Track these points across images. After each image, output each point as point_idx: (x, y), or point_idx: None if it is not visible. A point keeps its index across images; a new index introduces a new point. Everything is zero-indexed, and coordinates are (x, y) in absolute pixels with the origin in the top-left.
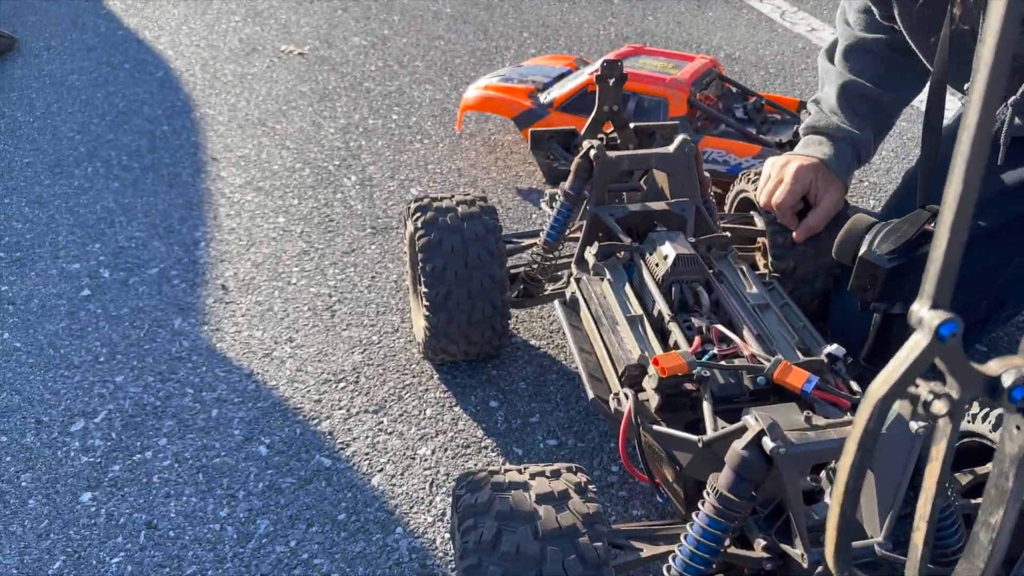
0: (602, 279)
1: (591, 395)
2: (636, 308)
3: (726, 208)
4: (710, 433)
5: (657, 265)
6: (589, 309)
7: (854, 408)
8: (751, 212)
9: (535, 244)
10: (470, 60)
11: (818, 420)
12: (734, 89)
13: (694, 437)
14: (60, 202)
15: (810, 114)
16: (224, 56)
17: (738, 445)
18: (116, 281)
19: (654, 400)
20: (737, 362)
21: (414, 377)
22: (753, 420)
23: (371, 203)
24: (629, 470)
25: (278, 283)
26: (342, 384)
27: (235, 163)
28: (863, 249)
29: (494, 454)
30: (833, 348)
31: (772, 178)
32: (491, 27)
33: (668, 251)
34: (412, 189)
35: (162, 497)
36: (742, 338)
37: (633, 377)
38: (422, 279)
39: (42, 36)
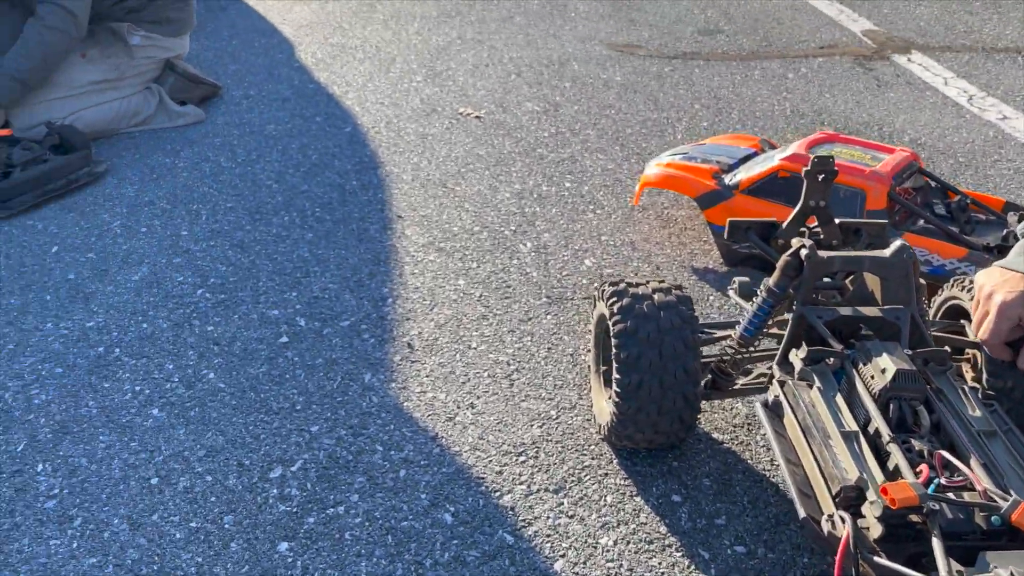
0: (811, 386)
1: (802, 514)
2: (850, 423)
3: (931, 313)
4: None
5: (873, 377)
6: (796, 417)
7: None
8: (961, 321)
9: (729, 336)
10: (641, 130)
11: None
12: (933, 184)
13: None
14: (260, 248)
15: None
16: (407, 115)
17: None
18: (311, 331)
19: (875, 529)
20: (968, 496)
21: (593, 459)
22: (1004, 573)
23: (546, 271)
24: None
25: (459, 346)
26: (522, 458)
27: (418, 222)
28: None
29: (679, 554)
30: None
31: (980, 307)
32: (661, 97)
33: (887, 364)
34: (586, 260)
35: (353, 556)
36: (969, 467)
37: (849, 499)
38: (615, 366)
39: (241, 85)
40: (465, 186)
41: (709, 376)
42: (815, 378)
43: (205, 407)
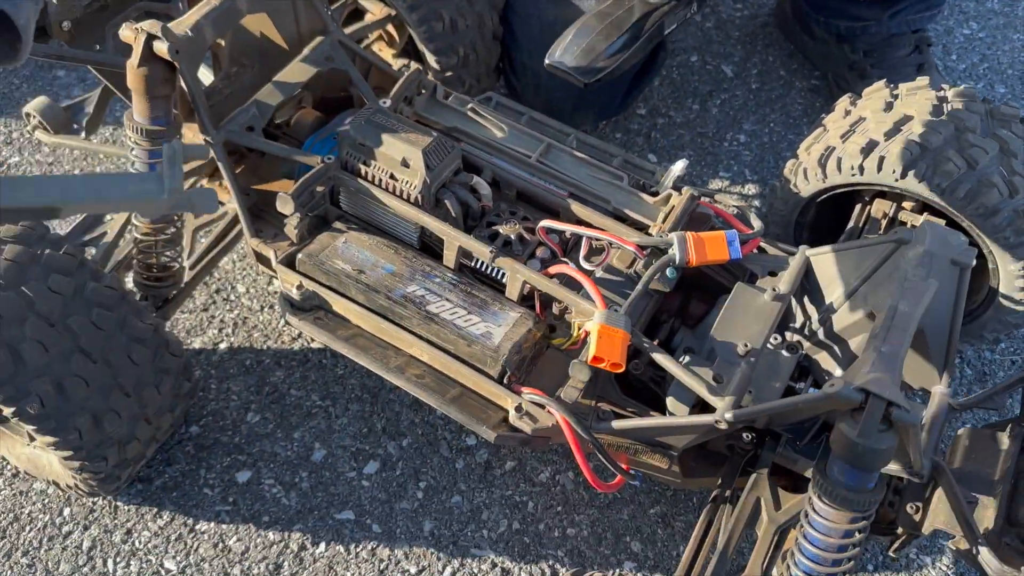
0: (336, 242)
1: (492, 436)
2: (429, 267)
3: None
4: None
5: (398, 179)
6: (355, 301)
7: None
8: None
9: (131, 227)
10: None
11: (776, 284)
12: None
13: (707, 418)
14: None
15: None
16: None
17: (850, 432)
18: None
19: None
20: (618, 263)
21: (105, 533)
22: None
23: None
24: (599, 487)
25: None
26: None
27: None
28: None
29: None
30: (676, 168)
31: None
32: None
33: (403, 151)
34: None
35: None
36: (574, 219)
37: (515, 364)
38: (19, 418)
39: None
40: None
41: (142, 295)
42: (337, 240)
43: None
